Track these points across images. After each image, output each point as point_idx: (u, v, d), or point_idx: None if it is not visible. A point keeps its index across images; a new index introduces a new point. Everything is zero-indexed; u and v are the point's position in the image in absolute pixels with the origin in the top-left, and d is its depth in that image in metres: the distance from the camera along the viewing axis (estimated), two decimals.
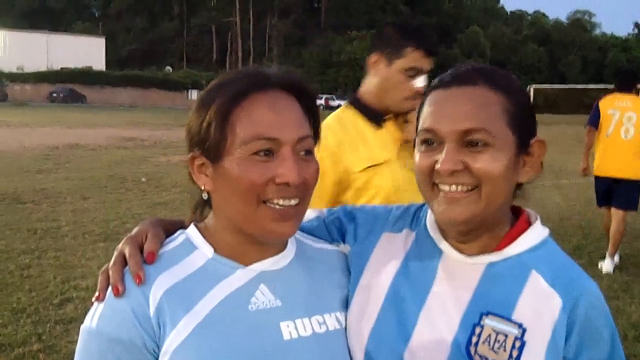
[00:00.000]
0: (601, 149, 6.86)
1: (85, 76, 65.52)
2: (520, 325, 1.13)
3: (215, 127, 1.12)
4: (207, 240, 1.21)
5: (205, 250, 1.19)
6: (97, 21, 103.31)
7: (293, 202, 1.14)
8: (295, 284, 1.23)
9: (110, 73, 70.67)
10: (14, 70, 65.19)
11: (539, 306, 1.13)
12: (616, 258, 6.82)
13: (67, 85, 61.18)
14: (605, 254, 6.77)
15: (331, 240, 1.37)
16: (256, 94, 1.13)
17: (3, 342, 4.37)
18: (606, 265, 6.64)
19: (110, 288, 1.11)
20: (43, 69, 66.91)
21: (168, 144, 18.85)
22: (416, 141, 1.19)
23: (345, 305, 1.27)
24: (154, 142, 19.69)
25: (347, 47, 79.62)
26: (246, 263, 1.19)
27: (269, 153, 1.11)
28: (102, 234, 7.56)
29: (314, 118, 1.22)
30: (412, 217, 1.33)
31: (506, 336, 1.12)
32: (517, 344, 1.12)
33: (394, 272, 1.26)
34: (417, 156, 1.17)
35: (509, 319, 1.13)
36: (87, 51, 75.26)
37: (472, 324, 1.15)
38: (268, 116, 1.12)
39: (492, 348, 1.12)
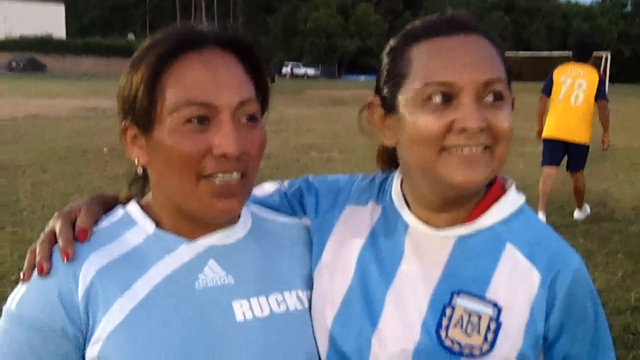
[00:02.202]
0: (552, 114, 7.32)
1: (45, 44, 63.88)
2: (495, 305, 1.03)
3: (143, 93, 1.00)
4: (149, 215, 1.09)
5: (145, 226, 1.08)
6: None
7: (235, 175, 1.01)
8: (249, 260, 1.12)
9: (71, 41, 69.04)
10: None
11: (516, 282, 1.04)
12: (588, 209, 7.40)
13: (27, 54, 59.56)
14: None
15: (293, 214, 1.26)
16: (189, 54, 1.00)
17: None
18: (582, 213, 7.33)
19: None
20: (1, 37, 65.02)
21: None
22: (411, 97, 1.02)
23: (310, 282, 1.17)
24: (116, 112, 19.25)
25: (313, 14, 78.91)
26: (192, 238, 1.08)
27: (203, 120, 0.99)
28: (62, 208, 7.33)
29: (259, 79, 1.07)
30: (378, 188, 1.22)
31: (480, 317, 1.03)
32: (492, 325, 1.02)
33: (359, 248, 1.15)
34: (419, 116, 1.00)
35: (482, 298, 1.04)
36: (46, 18, 73.18)
37: (442, 305, 1.05)
38: (201, 78, 0.99)
39: (465, 331, 1.02)
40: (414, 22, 1.10)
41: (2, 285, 4.89)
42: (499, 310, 1.03)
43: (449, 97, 0.99)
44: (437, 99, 0.99)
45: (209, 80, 0.99)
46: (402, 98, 1.04)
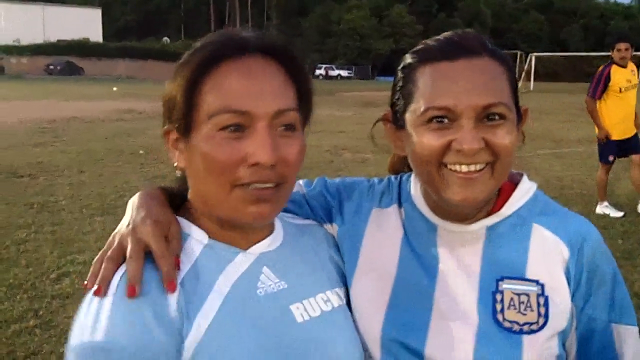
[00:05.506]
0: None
1: (82, 48, 65.24)
2: (537, 282, 1.12)
3: (182, 99, 1.01)
4: (196, 225, 1.09)
5: (198, 237, 1.08)
6: None
7: (269, 185, 1.00)
8: (293, 263, 1.15)
9: (108, 45, 70.32)
10: (10, 43, 64.73)
11: (549, 258, 1.13)
12: (608, 209, 7.58)
13: (64, 58, 60.94)
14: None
15: (314, 218, 1.29)
16: (229, 61, 1.00)
17: None
18: (600, 208, 7.58)
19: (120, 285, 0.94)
20: (39, 41, 66.45)
21: None
22: (415, 118, 1.09)
23: (341, 280, 1.23)
24: (152, 114, 19.51)
25: (346, 16, 78.94)
26: (242, 246, 1.10)
27: (239, 128, 0.98)
28: (99, 208, 7.50)
29: (301, 86, 1.07)
30: (396, 191, 1.28)
31: (528, 296, 1.11)
32: (541, 300, 1.11)
33: (397, 251, 1.21)
34: (422, 135, 1.08)
35: (524, 279, 1.12)
36: (83, 23, 74.69)
37: (490, 292, 1.12)
38: (239, 86, 0.99)
39: (519, 311, 1.10)
40: (429, 40, 1.14)
41: (42, 284, 4.98)
42: (542, 286, 1.11)
43: (449, 119, 1.06)
44: (437, 121, 1.06)
45: (247, 88, 0.99)
46: (408, 117, 1.12)
